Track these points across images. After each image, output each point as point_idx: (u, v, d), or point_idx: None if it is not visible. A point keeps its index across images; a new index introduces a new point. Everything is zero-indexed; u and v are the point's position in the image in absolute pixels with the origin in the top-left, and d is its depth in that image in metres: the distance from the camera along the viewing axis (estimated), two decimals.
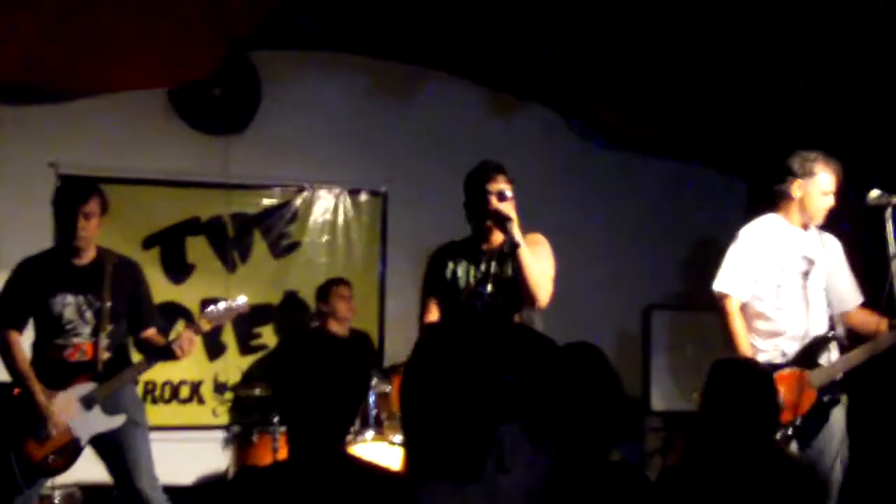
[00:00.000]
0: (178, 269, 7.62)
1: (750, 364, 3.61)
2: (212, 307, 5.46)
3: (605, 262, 8.19)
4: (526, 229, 5.12)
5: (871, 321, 5.38)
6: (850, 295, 5.61)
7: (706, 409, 3.52)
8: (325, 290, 7.35)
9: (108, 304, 5.30)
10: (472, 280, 5.09)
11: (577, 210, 8.19)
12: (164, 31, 6.27)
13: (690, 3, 6.00)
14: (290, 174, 7.90)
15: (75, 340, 5.28)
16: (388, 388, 5.85)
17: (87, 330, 5.28)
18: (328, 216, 7.99)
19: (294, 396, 2.51)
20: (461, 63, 7.94)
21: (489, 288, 5.04)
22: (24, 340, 5.43)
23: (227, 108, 7.61)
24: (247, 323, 7.55)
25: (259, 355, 7.66)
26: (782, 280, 5.46)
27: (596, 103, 7.96)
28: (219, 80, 7.46)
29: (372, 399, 5.80)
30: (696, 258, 7.72)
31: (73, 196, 5.34)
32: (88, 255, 5.40)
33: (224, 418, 7.58)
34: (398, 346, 7.37)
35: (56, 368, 5.25)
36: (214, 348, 7.60)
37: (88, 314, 5.29)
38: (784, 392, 5.32)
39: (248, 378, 7.54)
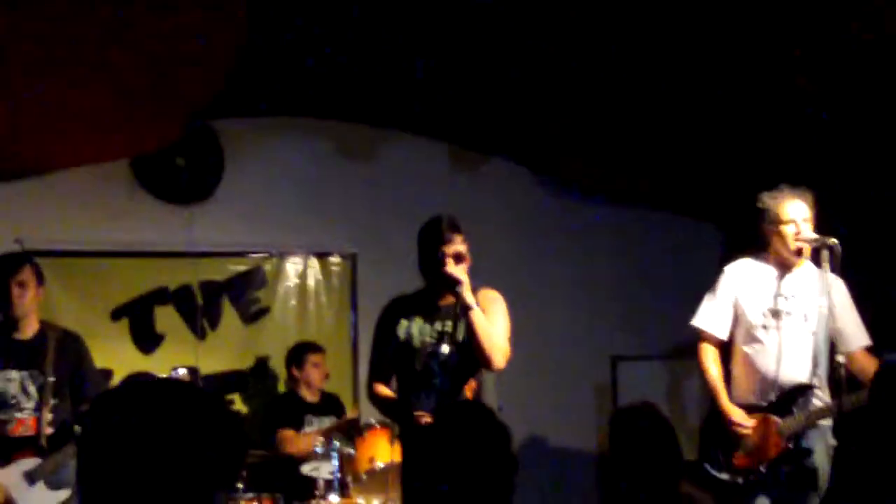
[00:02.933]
0: (147, 340, 7.58)
1: (650, 410, 3.57)
2: None
3: (572, 313, 8.18)
4: (488, 283, 5.12)
5: (871, 367, 5.09)
6: (851, 336, 5.40)
7: (612, 455, 3.50)
8: (298, 357, 7.28)
9: (52, 378, 5.28)
10: (427, 339, 5.06)
11: (543, 263, 8.19)
12: (117, 103, 6.31)
13: (654, 49, 6.05)
14: (257, 240, 7.88)
15: (18, 415, 5.26)
16: (352, 451, 5.79)
17: (30, 405, 5.27)
18: (297, 280, 7.97)
19: None
20: (424, 122, 7.97)
21: (445, 348, 5.00)
22: None
23: (190, 176, 7.60)
24: (218, 390, 7.51)
25: None
26: (759, 321, 5.41)
27: (559, 155, 7.98)
28: (181, 150, 7.47)
29: (336, 462, 5.74)
30: (664, 307, 7.70)
31: (4, 267, 5.35)
32: (30, 329, 5.41)
33: None
34: (372, 408, 7.32)
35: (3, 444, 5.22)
36: None
37: (31, 389, 5.28)
38: (748, 438, 5.28)
39: None
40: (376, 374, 5.25)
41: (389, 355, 5.17)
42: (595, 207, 8.40)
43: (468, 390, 5.04)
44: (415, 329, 5.09)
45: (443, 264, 4.90)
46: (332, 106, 7.79)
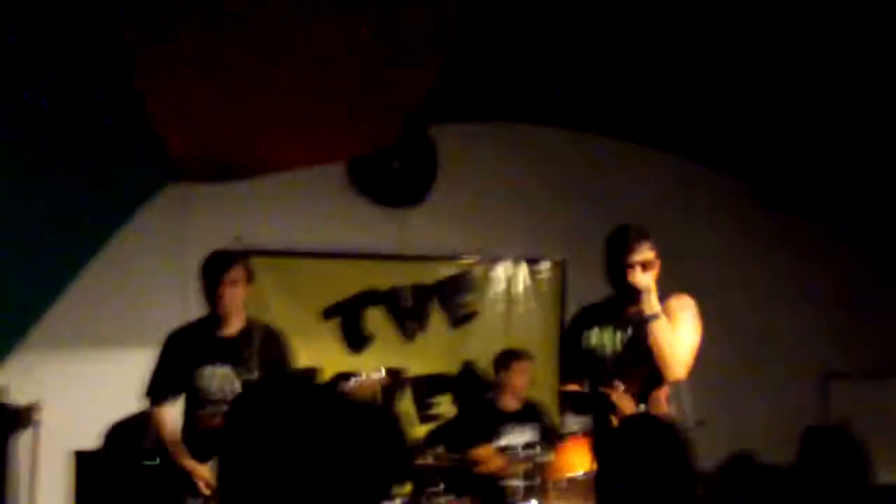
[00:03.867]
0: (356, 340, 7.72)
1: (841, 432, 3.34)
2: (343, 383, 5.48)
3: (785, 329, 7.95)
4: (698, 296, 5.02)
5: None
6: None
7: (799, 475, 3.32)
8: (504, 363, 7.25)
9: (256, 374, 5.31)
10: (614, 346, 5.01)
11: (756, 278, 8.00)
12: (334, 107, 6.45)
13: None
14: (468, 244, 7.94)
15: (223, 410, 5.23)
16: (550, 458, 5.77)
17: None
18: (506, 286, 8.00)
19: None
20: (641, 131, 7.85)
21: (630, 356, 4.93)
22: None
23: (404, 180, 7.74)
24: (424, 392, 7.62)
25: (434, 424, 7.64)
26: None
27: (783, 174, 7.74)
28: (396, 153, 7.60)
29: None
30: (880, 325, 7.41)
31: (216, 265, 5.39)
32: (235, 326, 5.45)
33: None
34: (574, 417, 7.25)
35: (204, 439, 5.30)
36: None
37: (236, 384, 5.32)
38: None
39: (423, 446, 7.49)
40: (565, 380, 5.23)
41: (578, 363, 5.13)
42: (811, 226, 8.17)
43: (661, 398, 4.93)
44: (602, 337, 5.05)
45: (628, 273, 4.84)
46: (547, 113, 7.77)
